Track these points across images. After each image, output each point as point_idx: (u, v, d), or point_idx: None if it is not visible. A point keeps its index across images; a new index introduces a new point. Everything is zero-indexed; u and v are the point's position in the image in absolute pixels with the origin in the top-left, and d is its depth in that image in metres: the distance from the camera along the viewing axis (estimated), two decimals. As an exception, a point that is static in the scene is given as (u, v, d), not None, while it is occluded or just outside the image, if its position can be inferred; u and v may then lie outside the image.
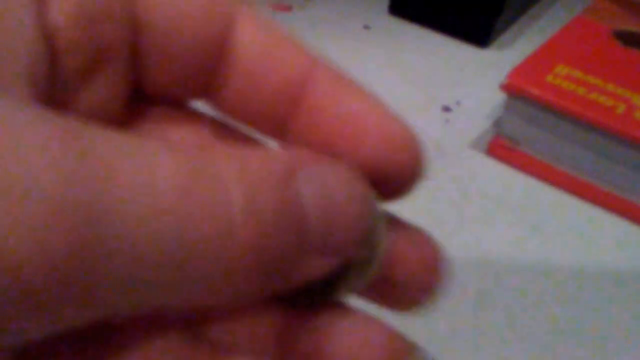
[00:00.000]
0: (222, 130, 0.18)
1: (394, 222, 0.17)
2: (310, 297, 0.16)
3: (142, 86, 0.17)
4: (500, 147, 0.35)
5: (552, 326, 0.27)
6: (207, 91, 0.17)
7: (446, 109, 0.39)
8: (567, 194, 0.34)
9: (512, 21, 0.47)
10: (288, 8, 0.47)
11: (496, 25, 0.44)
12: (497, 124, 0.36)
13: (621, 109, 0.32)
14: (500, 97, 0.36)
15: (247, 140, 0.18)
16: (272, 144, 0.17)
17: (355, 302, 0.16)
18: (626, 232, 0.32)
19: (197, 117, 0.18)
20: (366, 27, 0.45)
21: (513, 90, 0.34)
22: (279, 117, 0.17)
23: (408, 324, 0.26)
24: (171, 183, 0.11)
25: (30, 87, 0.12)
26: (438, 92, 0.40)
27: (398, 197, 0.17)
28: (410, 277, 0.17)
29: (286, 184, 0.13)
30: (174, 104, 0.18)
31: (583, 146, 0.33)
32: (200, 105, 0.18)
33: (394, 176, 0.17)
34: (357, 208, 0.14)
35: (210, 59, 0.17)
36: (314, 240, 0.13)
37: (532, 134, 0.34)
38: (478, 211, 0.32)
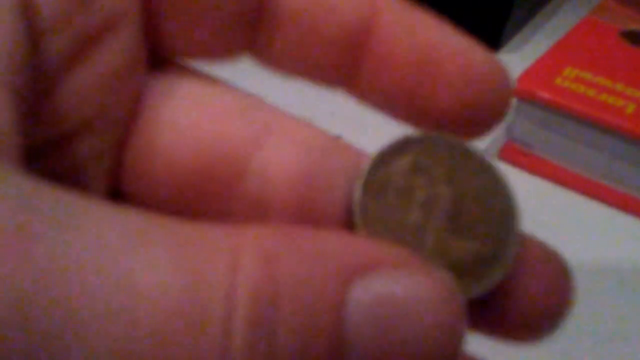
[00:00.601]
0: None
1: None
2: None
3: (164, 48, 0.15)
4: (513, 151, 0.36)
5: (569, 327, 0.27)
6: (252, 47, 0.15)
7: (458, 115, 0.39)
8: (581, 196, 0.34)
9: (522, 24, 0.47)
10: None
11: (506, 28, 0.44)
12: (509, 128, 0.36)
13: (631, 108, 0.32)
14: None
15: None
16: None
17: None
18: (642, 231, 0.32)
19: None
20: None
21: (523, 95, 0.34)
22: (345, 64, 0.15)
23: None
24: (158, 304, 0.09)
25: (7, 86, 0.10)
26: (450, 99, 0.40)
27: (481, 134, 0.15)
28: (534, 299, 0.14)
29: (331, 308, 0.10)
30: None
31: (595, 147, 0.33)
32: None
33: (478, 112, 0.14)
34: (433, 345, 0.10)
35: (247, 10, 0.14)
36: None
37: (544, 137, 0.34)
38: (492, 216, 0.33)
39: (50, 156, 0.13)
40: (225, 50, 0.15)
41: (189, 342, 0.09)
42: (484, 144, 0.37)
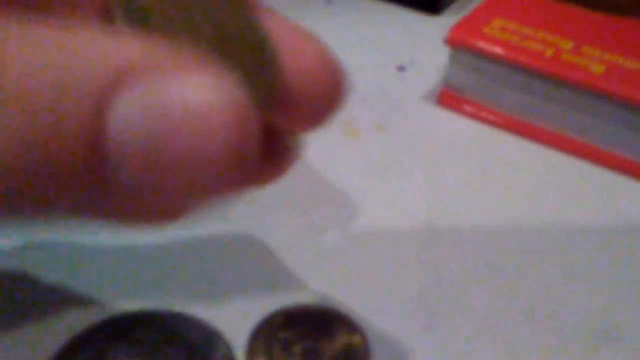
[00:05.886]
0: None
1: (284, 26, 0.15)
2: None
3: None
4: (449, 97, 0.39)
5: (496, 246, 0.31)
6: None
7: (401, 68, 0.42)
8: (509, 135, 0.38)
9: (462, -9, 0.51)
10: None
11: (445, -6, 0.48)
12: (445, 76, 0.40)
13: (550, 52, 0.36)
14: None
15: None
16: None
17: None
18: (561, 163, 0.36)
19: None
20: (329, 1, 0.49)
21: (455, 44, 0.37)
22: None
23: (361, 251, 0.30)
24: None
25: None
26: (394, 55, 0.44)
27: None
28: (314, 87, 0.15)
29: (96, 106, 0.09)
30: None
31: (520, 89, 0.37)
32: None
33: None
34: (201, 140, 0.09)
35: None
36: (121, 175, 0.09)
37: (475, 82, 0.38)
38: (431, 155, 0.36)
39: None
40: None
41: None
42: (424, 91, 0.40)
